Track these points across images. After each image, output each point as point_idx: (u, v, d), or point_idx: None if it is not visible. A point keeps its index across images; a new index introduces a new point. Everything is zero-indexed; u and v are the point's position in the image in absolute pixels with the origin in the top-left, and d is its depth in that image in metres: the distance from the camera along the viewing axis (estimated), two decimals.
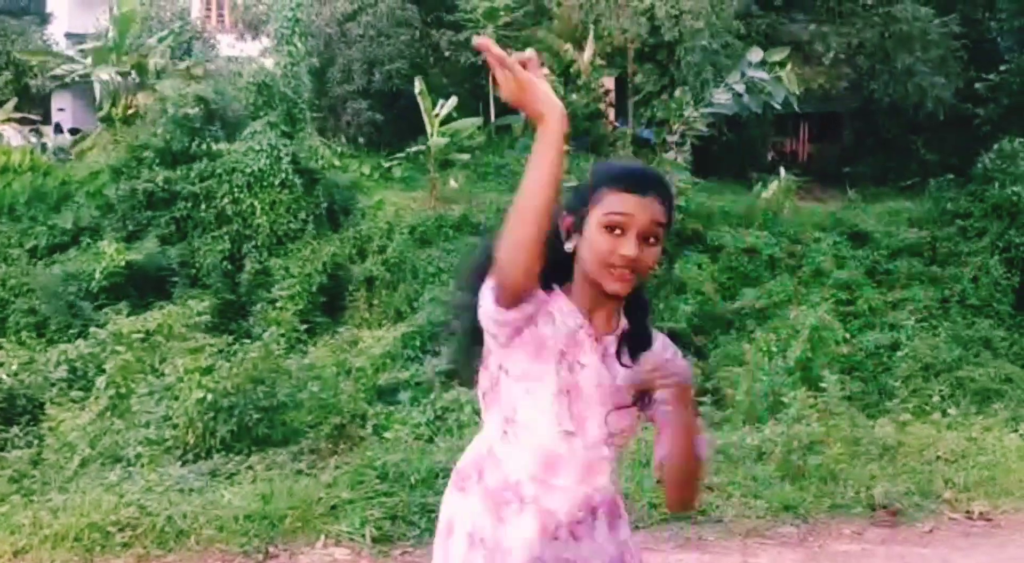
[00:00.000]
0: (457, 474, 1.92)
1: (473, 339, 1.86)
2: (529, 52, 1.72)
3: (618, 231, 1.74)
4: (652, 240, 1.76)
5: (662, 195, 1.79)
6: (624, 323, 1.88)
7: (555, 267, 1.80)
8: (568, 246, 1.81)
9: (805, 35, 20.62)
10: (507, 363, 1.81)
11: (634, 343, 1.86)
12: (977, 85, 20.64)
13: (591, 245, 1.76)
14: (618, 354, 1.85)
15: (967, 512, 4.98)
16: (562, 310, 1.82)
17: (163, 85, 17.60)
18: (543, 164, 1.63)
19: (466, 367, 1.93)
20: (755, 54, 12.64)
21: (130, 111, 18.39)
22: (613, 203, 1.75)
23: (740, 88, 11.82)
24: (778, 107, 12.35)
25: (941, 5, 21.07)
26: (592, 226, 1.76)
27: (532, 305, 1.75)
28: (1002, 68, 20.47)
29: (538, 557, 1.78)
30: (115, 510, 4.28)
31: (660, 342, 1.91)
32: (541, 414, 1.79)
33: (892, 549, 4.52)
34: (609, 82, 23.16)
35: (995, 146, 17.81)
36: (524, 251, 1.64)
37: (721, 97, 12.09)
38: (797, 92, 13.11)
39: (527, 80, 1.66)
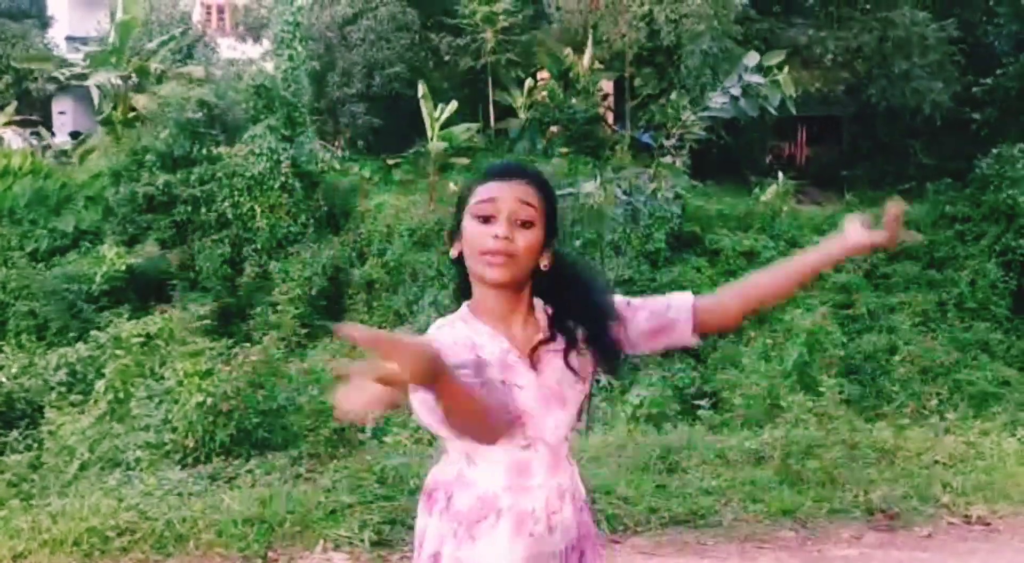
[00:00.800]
0: (426, 495, 1.90)
1: None
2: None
3: (490, 219, 1.74)
4: (527, 223, 1.75)
5: (529, 179, 1.80)
6: (544, 315, 1.86)
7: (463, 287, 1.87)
8: (452, 252, 1.83)
9: (803, 39, 20.65)
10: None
11: (569, 323, 1.84)
12: (974, 89, 20.67)
13: (467, 239, 1.77)
14: (567, 350, 1.83)
15: (965, 516, 4.98)
16: (483, 339, 1.80)
17: (165, 89, 17.64)
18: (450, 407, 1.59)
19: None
20: (751, 58, 12.69)
21: (131, 115, 18.41)
22: (480, 193, 1.77)
23: (737, 92, 11.87)
24: (773, 112, 12.39)
25: (939, 10, 21.11)
26: (467, 222, 1.78)
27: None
28: (999, 72, 20.51)
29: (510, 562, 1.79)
30: (114, 514, 4.28)
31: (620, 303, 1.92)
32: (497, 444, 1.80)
33: (890, 554, 4.52)
34: (608, 86, 23.19)
35: (993, 150, 17.86)
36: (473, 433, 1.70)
37: (718, 101, 12.13)
38: (793, 95, 13.17)
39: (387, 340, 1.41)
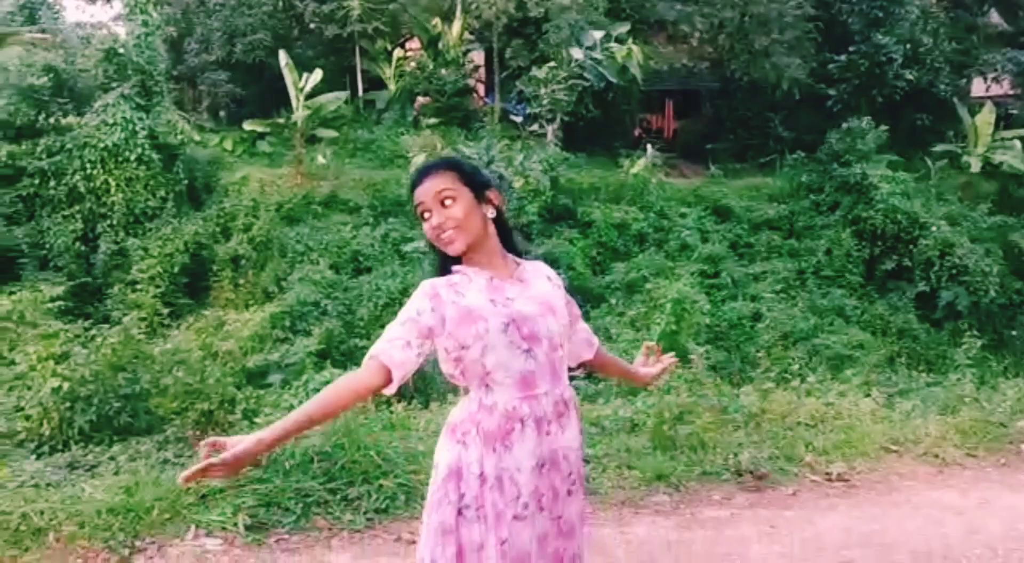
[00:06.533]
0: (452, 429, 2.32)
1: None
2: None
3: (427, 215, 2.30)
4: (449, 202, 2.27)
5: (437, 170, 2.32)
6: (515, 260, 2.43)
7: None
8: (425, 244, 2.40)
9: (671, 15, 21.08)
10: (456, 341, 2.23)
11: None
12: (829, 66, 21.59)
13: (426, 235, 2.33)
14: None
15: (826, 474, 5.21)
16: (470, 277, 2.32)
17: (3, 53, 16.48)
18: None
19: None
20: (598, 33, 13.02)
21: None
22: (414, 201, 2.33)
23: (599, 56, 12.14)
24: (614, 80, 12.72)
25: None
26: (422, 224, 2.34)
27: (427, 330, 2.22)
28: (851, 49, 21.48)
29: (539, 456, 2.27)
30: None
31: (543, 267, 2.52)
32: (503, 348, 2.24)
33: (758, 512, 4.68)
34: (479, 57, 23.09)
35: (843, 124, 18.72)
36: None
37: (575, 69, 12.40)
38: (641, 63, 13.68)
39: (232, 459, 2.00)
